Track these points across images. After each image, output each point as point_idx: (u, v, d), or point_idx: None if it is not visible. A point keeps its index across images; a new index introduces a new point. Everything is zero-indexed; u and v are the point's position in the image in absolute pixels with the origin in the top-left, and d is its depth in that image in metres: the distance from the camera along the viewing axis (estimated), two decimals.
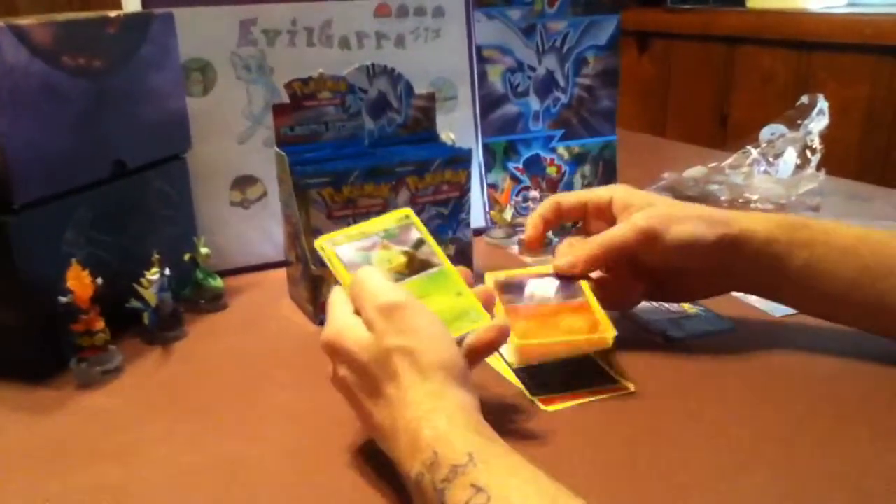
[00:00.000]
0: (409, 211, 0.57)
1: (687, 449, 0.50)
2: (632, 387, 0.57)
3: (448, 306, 0.51)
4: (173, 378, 0.62)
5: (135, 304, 0.66)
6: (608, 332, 0.56)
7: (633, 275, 0.63)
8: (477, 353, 0.50)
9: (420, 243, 0.55)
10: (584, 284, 0.61)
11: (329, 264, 0.52)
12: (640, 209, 0.60)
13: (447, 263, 0.55)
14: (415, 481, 0.40)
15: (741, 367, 0.60)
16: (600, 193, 0.64)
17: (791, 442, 0.51)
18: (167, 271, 0.67)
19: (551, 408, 0.55)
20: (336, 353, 0.47)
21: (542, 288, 0.61)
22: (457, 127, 0.85)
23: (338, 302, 0.49)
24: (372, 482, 0.48)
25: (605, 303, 0.59)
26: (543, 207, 0.65)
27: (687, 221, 0.59)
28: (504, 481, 0.37)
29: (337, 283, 0.52)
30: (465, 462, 0.38)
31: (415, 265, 0.54)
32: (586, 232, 0.65)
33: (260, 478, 0.49)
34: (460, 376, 0.45)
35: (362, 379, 0.46)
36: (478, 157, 0.93)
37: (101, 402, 0.58)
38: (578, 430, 0.52)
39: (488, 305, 0.53)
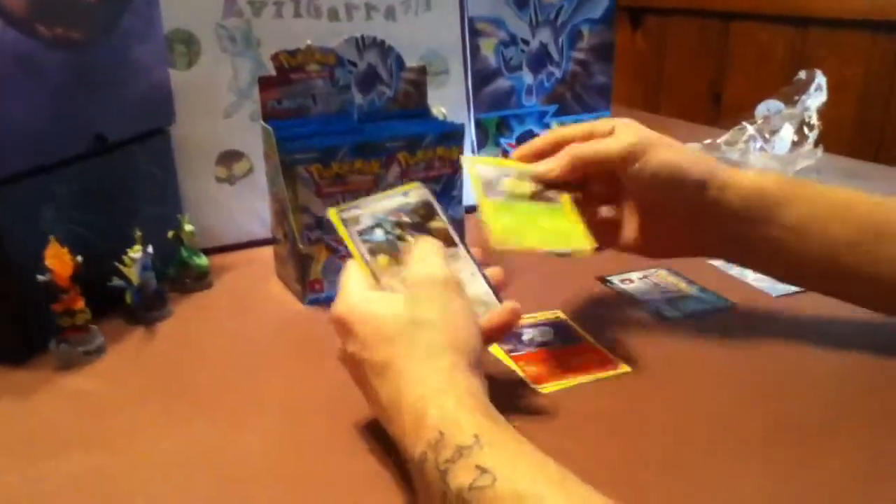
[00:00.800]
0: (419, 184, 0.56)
1: (684, 431, 0.49)
2: (627, 367, 0.56)
3: (558, 226, 0.55)
4: (157, 359, 0.60)
5: (117, 282, 0.64)
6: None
7: (613, 203, 0.60)
8: (491, 334, 0.49)
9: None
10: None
11: (342, 236, 0.51)
12: (633, 129, 0.57)
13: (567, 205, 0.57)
14: (417, 461, 0.39)
15: (738, 347, 0.59)
16: (605, 122, 0.59)
17: (791, 425, 0.50)
18: (150, 249, 0.65)
19: (546, 389, 0.53)
20: (348, 327, 0.46)
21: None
22: (448, 102, 0.83)
23: (353, 275, 0.48)
24: (367, 469, 0.46)
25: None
26: (541, 138, 0.60)
27: (675, 149, 0.56)
28: (510, 464, 0.36)
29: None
30: (471, 443, 0.37)
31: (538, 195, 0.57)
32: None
33: (247, 464, 0.48)
34: (474, 360, 0.44)
35: (375, 352, 0.44)
36: (470, 134, 0.91)
37: (82, 384, 0.57)
38: (574, 412, 0.51)
39: (500, 287, 0.52)
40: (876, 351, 0.57)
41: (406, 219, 0.52)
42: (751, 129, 1.00)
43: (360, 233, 0.51)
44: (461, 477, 0.36)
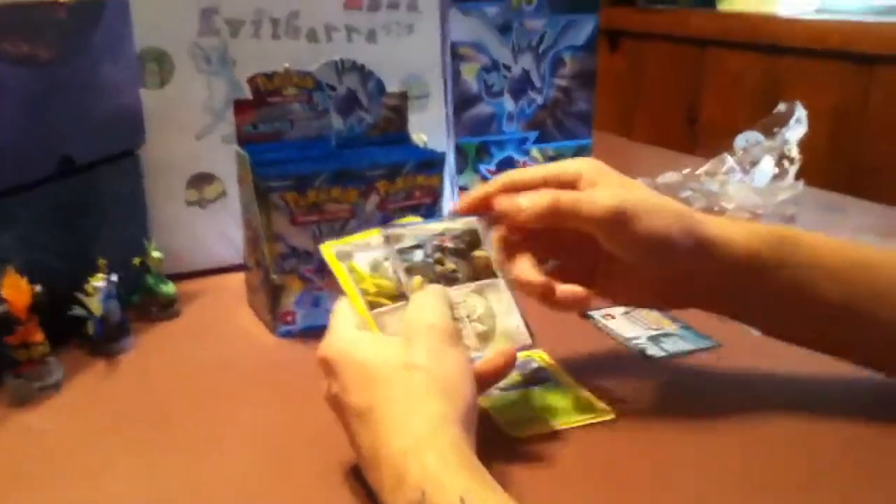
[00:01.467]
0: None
1: (672, 480, 0.47)
2: (611, 413, 0.54)
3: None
4: (119, 394, 0.57)
5: (79, 312, 0.61)
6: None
7: (582, 265, 0.54)
8: (484, 381, 0.47)
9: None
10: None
11: (334, 271, 0.49)
12: (613, 188, 0.51)
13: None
14: None
15: (727, 388, 0.58)
16: (566, 167, 0.52)
17: (786, 470, 0.48)
18: (114, 277, 0.62)
19: (523, 434, 0.51)
20: (334, 368, 0.44)
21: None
22: (428, 127, 0.81)
23: (343, 314, 0.47)
24: None
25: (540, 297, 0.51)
26: (493, 183, 0.53)
27: (662, 215, 0.50)
28: None
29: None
30: None
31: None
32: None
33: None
34: (465, 415, 0.42)
35: (359, 397, 0.42)
36: (450, 159, 0.89)
37: (37, 421, 0.53)
38: (555, 460, 0.49)
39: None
40: (877, 389, 0.56)
41: (449, 244, 0.51)
42: (731, 161, 1.00)
43: (401, 252, 0.50)
44: None
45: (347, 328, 0.45)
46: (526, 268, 0.51)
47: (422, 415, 0.40)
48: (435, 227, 0.52)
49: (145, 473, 0.48)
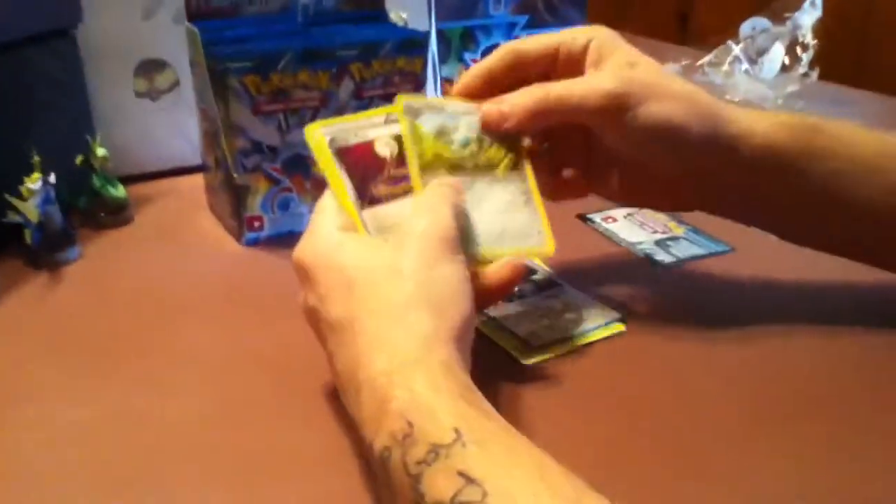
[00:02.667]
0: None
1: (686, 396, 0.42)
2: (621, 326, 0.48)
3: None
4: (63, 310, 0.51)
5: (14, 218, 0.53)
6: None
7: (578, 154, 0.49)
8: (488, 296, 0.41)
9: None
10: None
11: (318, 159, 0.41)
12: (618, 66, 0.45)
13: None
14: (379, 456, 0.31)
15: (741, 296, 0.52)
16: (574, 38, 0.46)
17: (805, 382, 0.43)
18: (52, 178, 0.54)
19: (532, 361, 0.45)
20: (310, 275, 0.38)
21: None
22: (407, 7, 0.72)
23: (325, 211, 0.40)
24: (321, 443, 0.38)
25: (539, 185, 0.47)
26: (493, 57, 0.47)
27: (670, 100, 0.44)
28: (504, 471, 0.28)
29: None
30: (450, 440, 0.29)
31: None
32: None
33: (172, 436, 0.39)
34: (460, 331, 0.35)
35: (336, 307, 0.36)
36: (432, 46, 0.80)
37: None
38: (562, 380, 0.43)
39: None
40: (889, 303, 0.51)
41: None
42: (736, 50, 0.92)
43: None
44: (440, 486, 0.28)
45: (329, 228, 0.39)
46: None
47: (408, 331, 0.34)
48: (458, 107, 0.45)
49: (92, 396, 0.42)
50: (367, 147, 0.42)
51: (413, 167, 0.42)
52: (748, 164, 0.46)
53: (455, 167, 0.43)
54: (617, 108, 0.43)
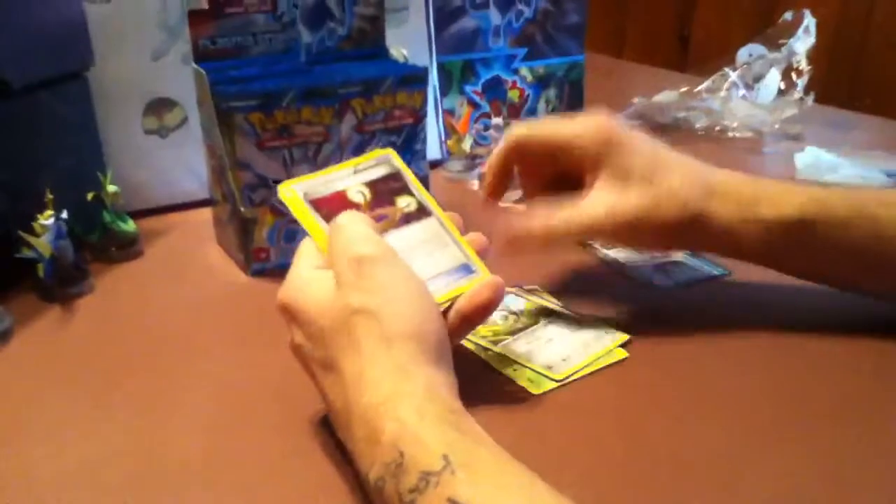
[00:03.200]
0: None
1: (690, 420, 0.43)
2: (623, 352, 0.49)
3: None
4: (75, 343, 0.52)
5: (27, 253, 0.55)
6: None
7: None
8: (468, 320, 0.41)
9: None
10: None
11: (294, 212, 0.43)
12: (622, 172, 0.48)
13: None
14: (374, 487, 0.32)
15: (739, 317, 0.53)
16: (572, 139, 0.50)
17: (806, 401, 0.44)
18: (64, 214, 0.55)
19: (540, 391, 0.46)
20: (292, 315, 0.39)
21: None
22: (408, 43, 0.74)
23: (303, 254, 0.41)
24: (321, 472, 0.39)
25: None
26: (500, 153, 0.52)
27: (667, 210, 0.47)
28: (493, 497, 0.29)
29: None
30: (439, 468, 0.30)
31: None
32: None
33: (180, 466, 0.40)
34: (436, 350, 0.36)
35: (318, 348, 0.37)
36: (433, 79, 0.82)
37: None
38: (561, 404, 0.44)
39: (482, 255, 0.45)
40: (884, 320, 0.52)
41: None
42: (733, 76, 0.93)
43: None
44: None
45: (305, 268, 0.40)
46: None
47: (383, 364, 0.35)
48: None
49: (102, 428, 0.43)
50: (341, 195, 0.43)
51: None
52: (736, 252, 0.51)
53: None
54: (615, 235, 0.51)
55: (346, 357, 0.36)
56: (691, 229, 0.48)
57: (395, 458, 0.31)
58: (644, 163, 0.48)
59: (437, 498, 0.29)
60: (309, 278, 0.39)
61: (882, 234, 0.47)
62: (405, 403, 0.33)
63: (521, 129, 0.51)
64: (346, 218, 0.40)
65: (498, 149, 0.52)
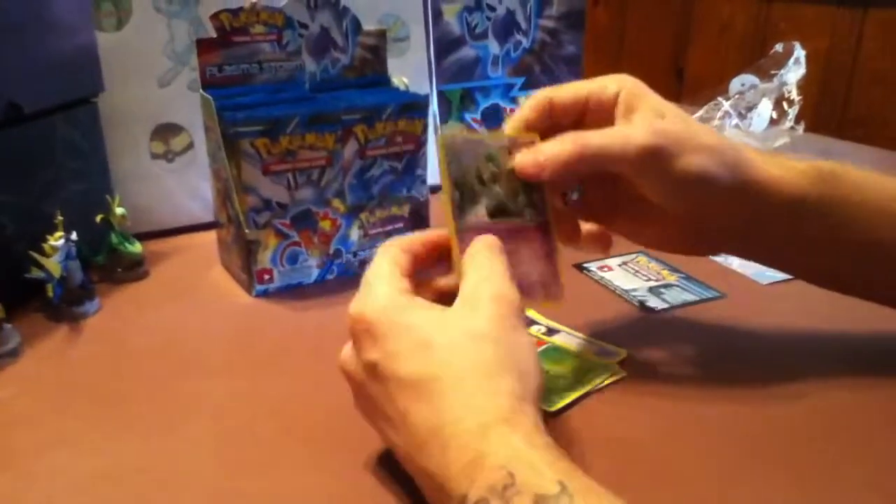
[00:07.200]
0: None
1: (681, 440, 0.44)
2: (621, 372, 0.50)
3: None
4: (82, 362, 0.53)
5: (36, 274, 0.56)
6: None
7: (607, 200, 0.50)
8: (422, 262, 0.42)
9: None
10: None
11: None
12: (649, 117, 0.45)
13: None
14: None
15: (733, 340, 0.54)
16: (605, 84, 0.46)
17: (800, 426, 0.45)
18: (74, 236, 0.57)
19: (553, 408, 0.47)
20: (371, 332, 0.37)
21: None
22: (409, 72, 0.76)
23: (384, 275, 0.40)
24: (327, 492, 0.40)
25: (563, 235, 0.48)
26: (528, 107, 0.47)
27: (701, 152, 0.44)
28: None
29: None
30: (556, 491, 0.30)
31: None
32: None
33: (184, 485, 0.41)
34: (535, 394, 0.36)
35: (405, 363, 0.36)
36: (433, 107, 0.84)
37: None
38: (553, 429, 0.45)
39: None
40: (882, 346, 0.53)
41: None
42: (726, 105, 0.96)
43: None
44: None
45: (391, 291, 0.39)
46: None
47: (497, 391, 0.35)
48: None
49: (106, 446, 0.44)
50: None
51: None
52: (770, 212, 0.47)
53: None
54: (652, 161, 0.43)
55: (450, 375, 0.35)
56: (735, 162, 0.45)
57: (503, 479, 0.31)
58: (676, 112, 0.46)
59: None
60: (403, 303, 0.38)
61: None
62: (516, 431, 0.33)
63: (545, 90, 0.48)
64: (487, 254, 0.41)
65: (524, 105, 0.48)
